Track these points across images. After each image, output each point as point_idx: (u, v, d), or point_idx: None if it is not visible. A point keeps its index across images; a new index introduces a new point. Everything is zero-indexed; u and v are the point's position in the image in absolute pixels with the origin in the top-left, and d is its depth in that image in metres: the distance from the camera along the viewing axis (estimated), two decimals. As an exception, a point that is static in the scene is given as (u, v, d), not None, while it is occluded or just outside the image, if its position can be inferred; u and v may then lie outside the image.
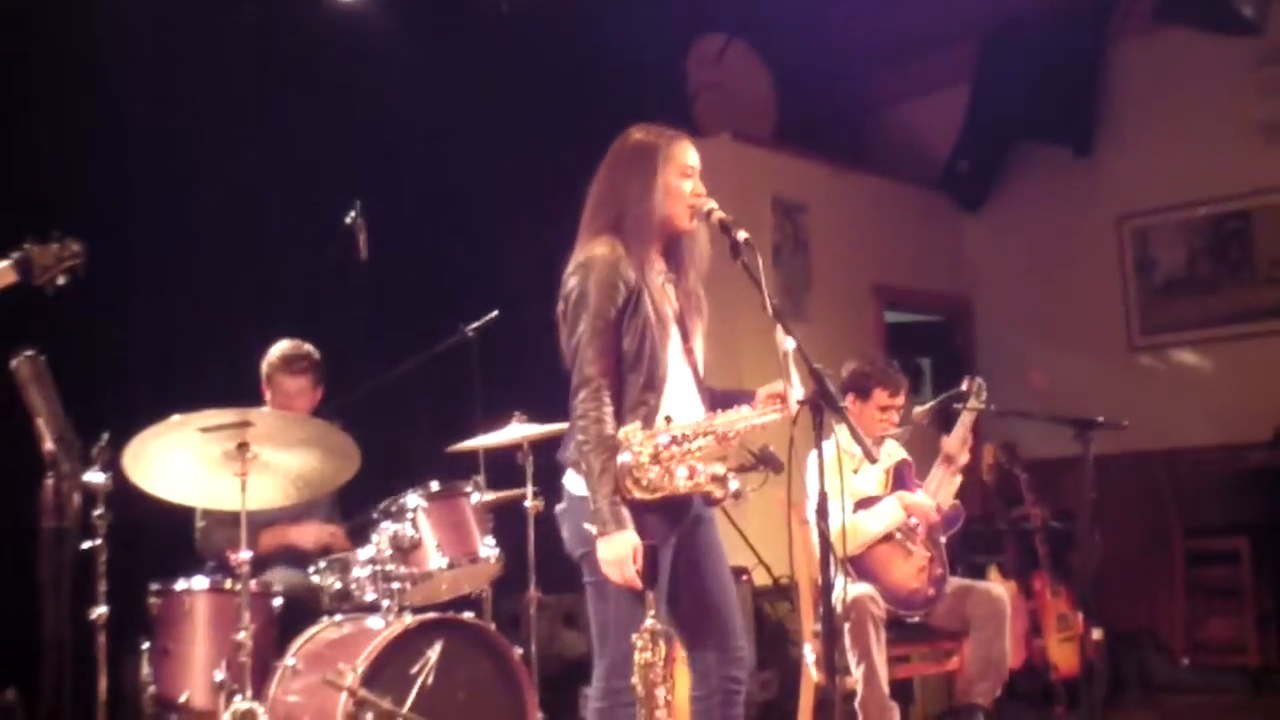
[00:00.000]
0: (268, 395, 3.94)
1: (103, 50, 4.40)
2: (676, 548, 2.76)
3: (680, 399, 2.76)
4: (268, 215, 4.78)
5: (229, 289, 4.67)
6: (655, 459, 2.59)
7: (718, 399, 2.86)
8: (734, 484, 2.69)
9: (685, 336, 2.83)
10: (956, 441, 4.20)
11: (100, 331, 4.20)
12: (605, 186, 2.82)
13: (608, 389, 2.66)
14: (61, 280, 3.03)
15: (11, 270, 2.96)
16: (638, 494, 2.58)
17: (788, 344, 2.62)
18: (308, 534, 3.88)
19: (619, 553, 2.57)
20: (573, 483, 2.75)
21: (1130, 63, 6.94)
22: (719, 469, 2.68)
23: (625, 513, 2.58)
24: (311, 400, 3.97)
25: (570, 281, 2.72)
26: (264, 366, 3.97)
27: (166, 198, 4.56)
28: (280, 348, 3.95)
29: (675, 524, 2.75)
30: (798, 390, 2.68)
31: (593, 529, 2.61)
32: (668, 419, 2.64)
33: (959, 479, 4.24)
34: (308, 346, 3.98)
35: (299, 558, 3.82)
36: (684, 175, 2.80)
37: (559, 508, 2.82)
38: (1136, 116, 6.92)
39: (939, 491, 4.18)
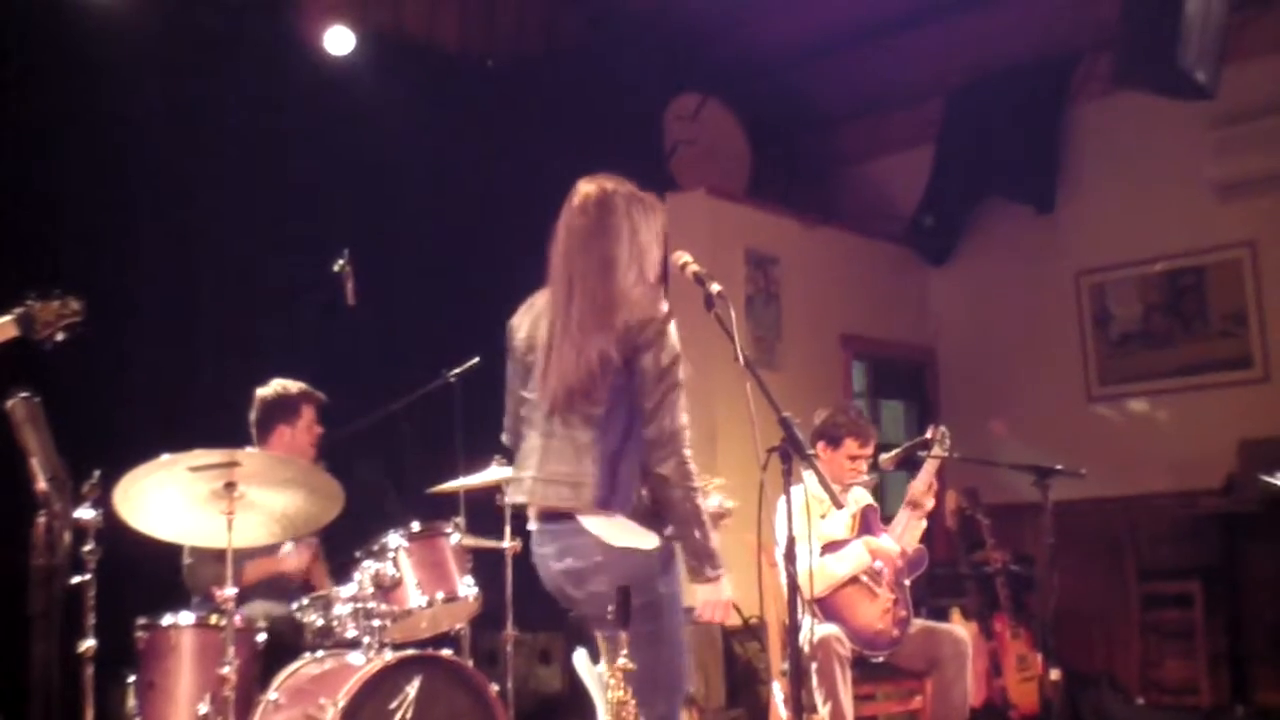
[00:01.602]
0: (286, 426, 4.00)
1: (104, 100, 4.49)
2: None
3: None
4: (258, 261, 4.84)
5: (219, 333, 4.74)
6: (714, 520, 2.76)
7: None
8: None
9: None
10: (922, 487, 4.30)
11: (94, 373, 4.24)
12: (630, 237, 2.78)
13: None
14: (61, 337, 3.10)
15: (13, 325, 3.03)
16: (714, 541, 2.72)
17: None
18: (289, 558, 3.94)
19: (729, 597, 2.70)
20: (614, 533, 2.69)
21: (1089, 124, 7.11)
22: None
23: None
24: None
25: (659, 332, 2.68)
26: (293, 397, 4.02)
27: (160, 244, 4.64)
28: (294, 383, 4.04)
29: None
30: None
31: (709, 573, 2.66)
32: None
33: (924, 523, 4.33)
34: None
35: (282, 592, 3.88)
36: (663, 242, 2.88)
37: (582, 564, 2.71)
38: (1095, 176, 7.09)
39: (905, 534, 4.28)
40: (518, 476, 2.87)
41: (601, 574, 2.69)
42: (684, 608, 2.85)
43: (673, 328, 2.72)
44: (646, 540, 2.70)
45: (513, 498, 2.88)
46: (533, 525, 2.86)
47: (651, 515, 2.70)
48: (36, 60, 4.35)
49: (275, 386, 4.04)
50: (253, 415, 4.03)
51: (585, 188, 2.85)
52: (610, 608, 2.60)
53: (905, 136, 7.60)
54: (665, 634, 2.67)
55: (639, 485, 2.70)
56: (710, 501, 2.86)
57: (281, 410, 4.01)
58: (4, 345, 3.02)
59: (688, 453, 2.69)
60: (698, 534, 2.66)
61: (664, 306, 2.74)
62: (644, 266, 2.79)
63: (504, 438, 2.98)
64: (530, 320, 2.90)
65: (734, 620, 5.55)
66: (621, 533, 2.70)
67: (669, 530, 2.72)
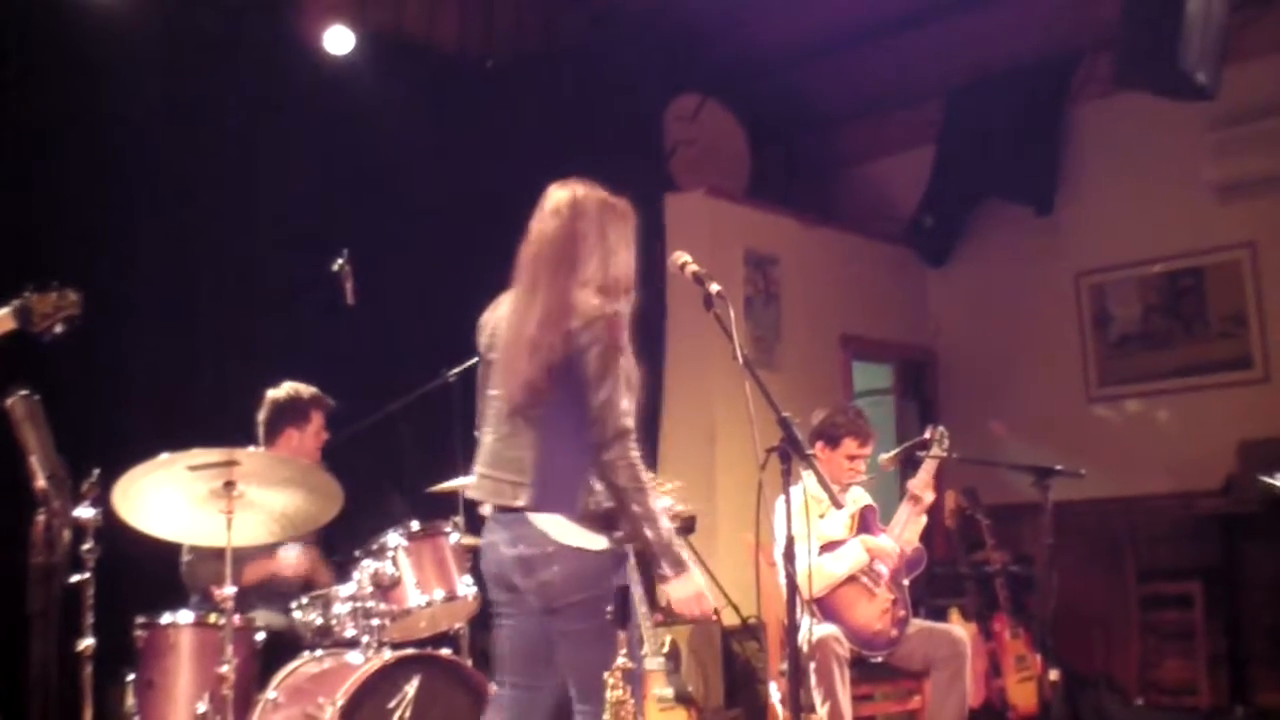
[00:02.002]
0: (294, 429, 4.00)
1: (104, 100, 4.50)
2: None
3: None
4: (258, 261, 4.85)
5: (218, 332, 4.74)
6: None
7: None
8: None
9: None
10: (921, 482, 4.31)
11: (93, 372, 4.25)
12: (597, 240, 2.80)
13: None
14: (59, 329, 3.10)
15: (11, 318, 3.03)
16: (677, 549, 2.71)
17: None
18: (288, 562, 3.94)
19: (700, 586, 2.68)
20: (563, 531, 2.69)
21: (1089, 126, 7.12)
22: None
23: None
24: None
25: (601, 330, 2.68)
26: (305, 400, 4.02)
27: (160, 242, 4.64)
28: (306, 387, 4.05)
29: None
30: None
31: (667, 573, 2.65)
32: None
33: (924, 519, 4.34)
34: None
35: (281, 594, 3.88)
36: (631, 249, 2.87)
37: (534, 551, 2.71)
38: (1095, 177, 7.10)
39: (905, 530, 4.29)
40: (474, 472, 2.91)
41: (553, 564, 2.69)
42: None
43: (619, 327, 2.71)
44: (593, 541, 2.69)
45: (468, 493, 2.91)
46: (486, 510, 2.87)
47: (600, 518, 2.69)
48: (37, 60, 4.36)
49: (288, 389, 4.04)
50: (261, 415, 4.04)
51: (557, 192, 2.89)
52: (575, 599, 2.67)
53: (905, 137, 7.60)
54: (610, 632, 2.62)
55: (586, 487, 2.69)
56: (664, 501, 2.85)
57: (292, 413, 4.02)
58: (3, 339, 3.02)
59: (634, 453, 2.67)
60: (650, 533, 2.64)
61: (616, 308, 2.73)
62: (611, 271, 2.79)
63: (476, 434, 2.98)
64: (495, 319, 2.94)
65: (732, 620, 5.56)
66: (568, 532, 2.70)
67: (618, 533, 2.72)
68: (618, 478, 2.65)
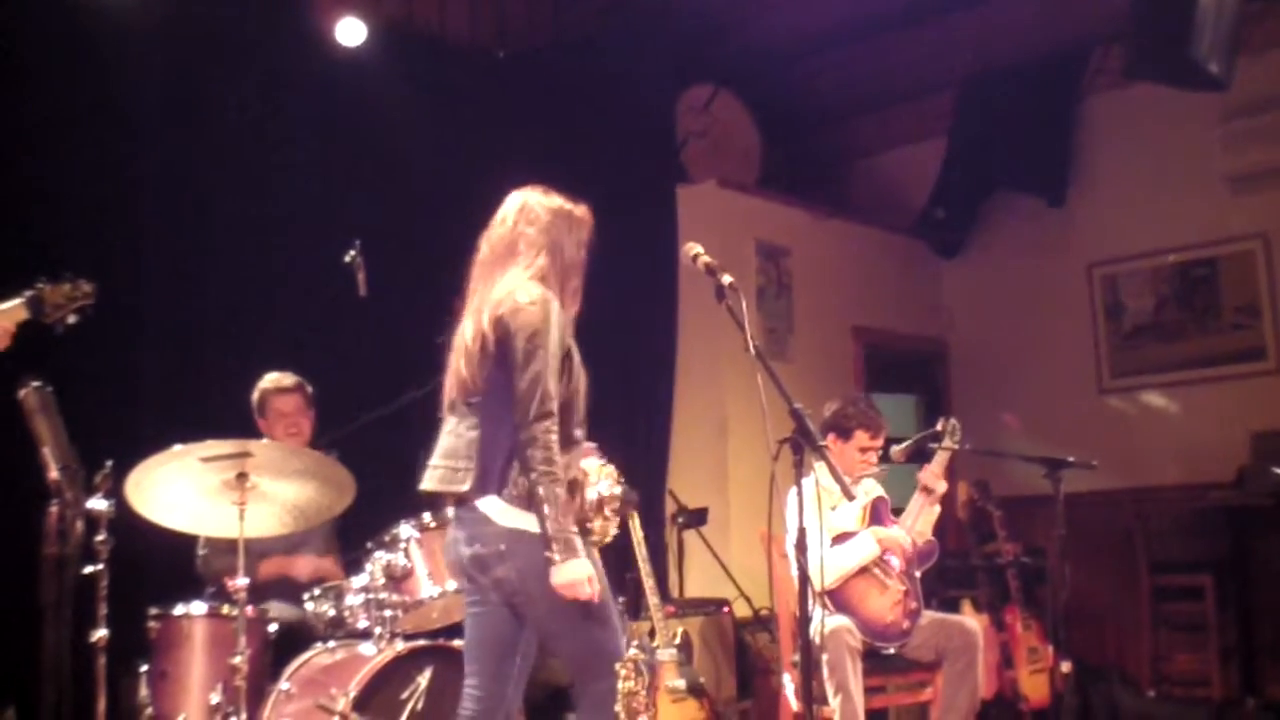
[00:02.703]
0: (265, 425, 4.05)
1: (115, 93, 4.50)
2: None
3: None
4: (271, 252, 4.85)
5: (231, 323, 4.75)
6: (599, 506, 2.74)
7: None
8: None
9: None
10: (933, 473, 4.32)
11: (106, 363, 4.26)
12: (541, 238, 2.91)
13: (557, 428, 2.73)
14: (72, 319, 3.13)
15: (24, 308, 3.06)
16: (597, 534, 2.77)
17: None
18: (304, 565, 3.97)
19: (586, 572, 2.68)
20: (502, 514, 2.76)
21: (1101, 117, 7.09)
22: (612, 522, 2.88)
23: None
24: (310, 422, 4.10)
25: (528, 313, 2.76)
26: (256, 397, 4.10)
27: (173, 234, 4.64)
28: (267, 376, 4.13)
29: None
30: None
31: (555, 556, 2.65)
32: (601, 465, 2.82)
33: (937, 509, 4.34)
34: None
35: (294, 590, 3.90)
36: (583, 248, 2.96)
37: (487, 550, 2.78)
38: (1107, 168, 7.08)
39: (918, 520, 4.29)
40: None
41: (505, 561, 2.76)
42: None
43: (546, 310, 2.77)
44: (529, 522, 2.73)
45: (422, 486, 2.97)
46: (451, 510, 2.95)
47: (533, 502, 2.73)
48: (46, 51, 4.37)
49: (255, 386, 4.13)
50: None
51: (509, 199, 3.01)
52: (512, 596, 2.76)
53: (916, 129, 7.58)
54: (589, 613, 2.71)
55: (522, 474, 2.73)
56: (600, 487, 2.85)
57: (258, 409, 4.10)
58: (16, 329, 3.03)
59: (550, 435, 2.70)
60: (547, 512, 2.67)
61: (548, 293, 2.81)
62: (554, 265, 2.89)
63: None
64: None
65: (744, 611, 5.57)
66: (506, 514, 2.76)
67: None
68: (530, 458, 2.69)
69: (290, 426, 4.04)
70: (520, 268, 2.87)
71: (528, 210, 2.95)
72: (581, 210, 2.99)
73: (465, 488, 2.79)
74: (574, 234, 2.95)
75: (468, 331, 2.86)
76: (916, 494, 4.34)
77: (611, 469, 2.94)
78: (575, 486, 2.80)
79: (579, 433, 2.85)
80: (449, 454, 2.87)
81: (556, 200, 2.98)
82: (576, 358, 2.86)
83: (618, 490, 2.89)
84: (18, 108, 4.26)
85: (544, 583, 2.68)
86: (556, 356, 2.75)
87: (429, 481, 2.91)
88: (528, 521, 2.72)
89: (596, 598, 2.70)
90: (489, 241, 2.98)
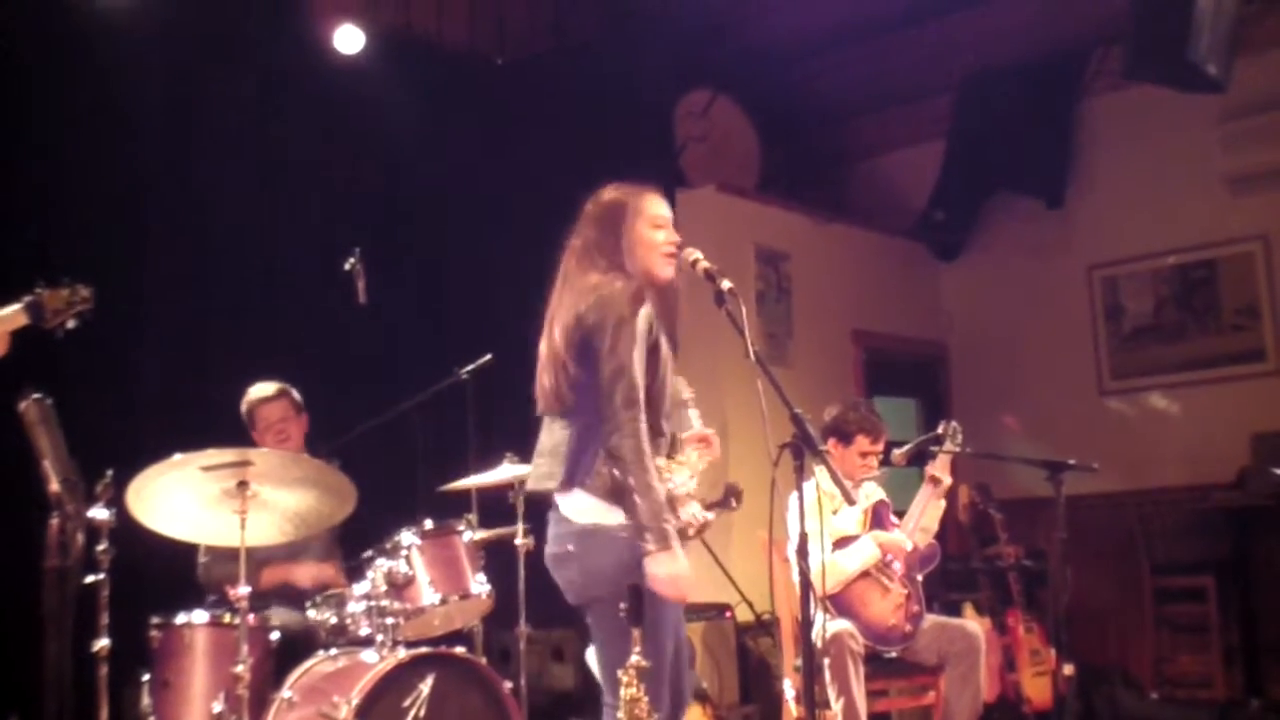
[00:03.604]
0: (256, 437, 4.06)
1: (116, 99, 4.51)
2: None
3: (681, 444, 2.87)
4: (271, 261, 4.87)
5: (231, 331, 4.76)
6: (673, 500, 2.71)
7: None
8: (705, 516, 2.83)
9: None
10: (939, 465, 4.31)
11: (106, 371, 4.27)
12: (582, 243, 2.89)
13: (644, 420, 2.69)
14: (71, 324, 3.09)
15: (23, 313, 3.03)
16: (675, 525, 2.68)
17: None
18: (306, 573, 3.96)
19: (680, 570, 2.63)
20: (582, 509, 2.73)
21: (1100, 118, 7.10)
22: (698, 510, 2.80)
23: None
24: (299, 426, 4.11)
25: (605, 305, 2.72)
26: (243, 410, 4.11)
27: (173, 242, 4.66)
28: (251, 389, 4.15)
29: None
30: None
31: (649, 547, 2.58)
32: (670, 456, 2.76)
33: (943, 503, 4.34)
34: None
35: (296, 597, 3.89)
36: (655, 226, 2.89)
37: (559, 550, 2.78)
38: (1106, 170, 7.09)
39: (924, 514, 4.29)
40: None
41: (573, 562, 2.76)
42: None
43: (633, 302, 2.74)
44: (610, 515, 2.70)
45: (526, 486, 3.00)
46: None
47: (617, 492, 2.70)
48: (49, 56, 4.38)
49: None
50: None
51: (595, 197, 2.97)
52: (605, 591, 2.68)
53: (915, 132, 7.59)
54: (647, 634, 2.61)
55: (606, 465, 2.71)
56: (678, 478, 2.82)
57: (247, 420, 4.10)
58: (15, 334, 3.02)
59: (639, 424, 2.66)
60: (640, 503, 2.62)
61: (620, 283, 2.76)
62: (626, 253, 2.83)
63: None
64: None
65: (746, 616, 5.56)
66: (586, 509, 2.74)
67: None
68: (620, 449, 2.65)
69: (279, 434, 4.05)
70: (593, 262, 2.84)
71: (593, 204, 2.93)
72: (636, 193, 2.93)
73: (553, 485, 2.80)
74: (609, 223, 2.89)
75: (547, 340, 2.85)
76: (924, 486, 4.34)
77: (693, 460, 2.87)
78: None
79: (666, 425, 2.82)
80: (542, 451, 2.89)
81: (622, 190, 2.94)
82: (665, 349, 2.82)
83: (692, 486, 2.81)
84: (18, 109, 4.27)
85: (609, 587, 2.65)
86: (641, 347, 2.72)
87: (529, 480, 2.95)
88: (608, 516, 2.70)
89: (680, 597, 2.68)
90: (566, 253, 2.95)
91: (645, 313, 2.75)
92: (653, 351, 2.78)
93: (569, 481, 2.78)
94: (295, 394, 4.16)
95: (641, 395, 2.69)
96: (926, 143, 7.50)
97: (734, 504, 3.04)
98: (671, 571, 2.62)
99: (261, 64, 4.93)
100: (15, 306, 3.04)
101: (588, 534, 2.73)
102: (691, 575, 2.68)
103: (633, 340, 2.70)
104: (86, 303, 3.11)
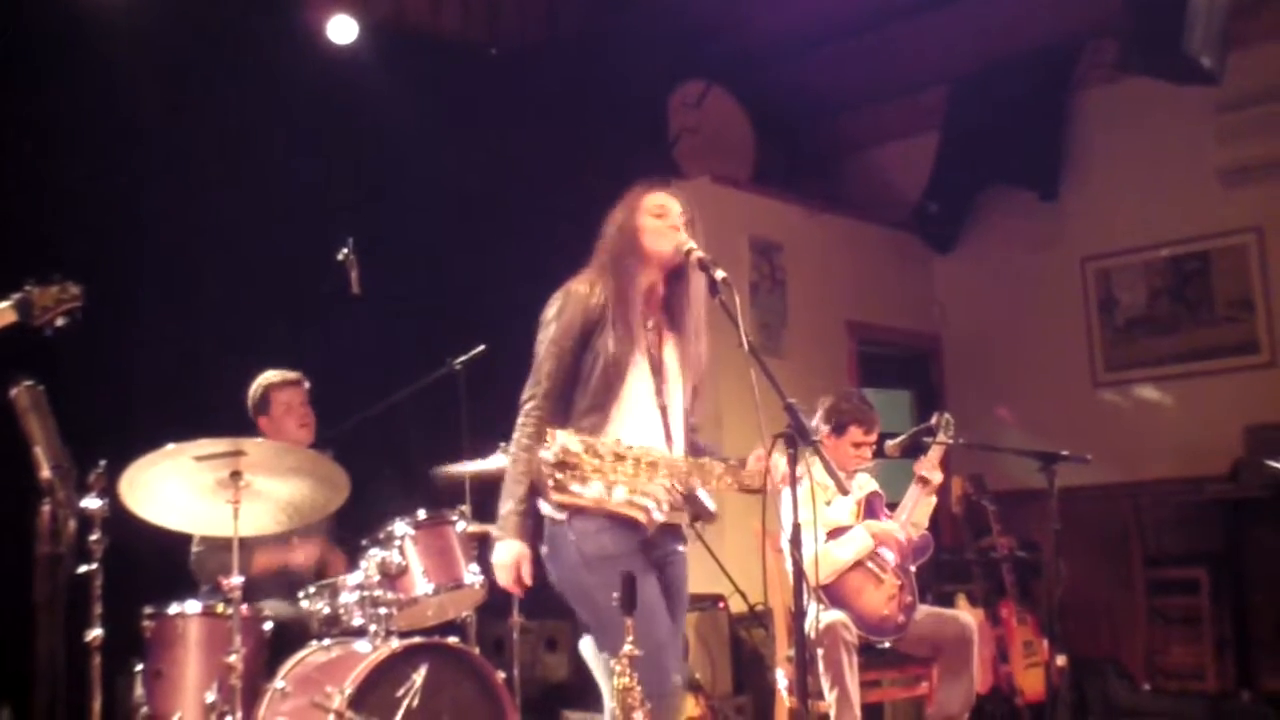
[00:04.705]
0: (268, 422, 4.04)
1: (108, 90, 4.50)
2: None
3: (639, 432, 2.80)
4: (262, 251, 4.86)
5: (225, 321, 4.76)
6: (563, 465, 2.67)
7: (699, 451, 3.04)
8: (658, 515, 2.84)
9: (660, 378, 2.93)
10: (929, 463, 4.32)
11: (100, 362, 4.27)
12: (599, 240, 3.01)
13: (549, 409, 2.80)
14: (60, 322, 3.11)
15: (12, 311, 3.04)
16: (556, 495, 2.69)
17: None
18: (302, 553, 3.96)
19: (509, 560, 2.75)
20: (545, 507, 2.84)
21: (1094, 111, 7.10)
22: (650, 502, 2.80)
23: (520, 524, 2.76)
24: (311, 415, 4.10)
25: (552, 305, 2.90)
26: (257, 394, 4.09)
27: (164, 231, 4.65)
28: (268, 372, 4.14)
29: (644, 552, 2.84)
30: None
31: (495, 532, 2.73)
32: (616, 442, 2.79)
33: (934, 500, 4.35)
34: None
35: (290, 584, 3.90)
36: (655, 215, 2.96)
37: (542, 549, 2.87)
38: (1100, 162, 7.08)
39: (915, 511, 4.29)
40: None
41: (548, 561, 2.87)
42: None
43: (565, 301, 2.86)
44: (546, 509, 2.81)
45: None
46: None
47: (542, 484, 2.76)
48: (43, 49, 4.37)
49: (254, 383, 4.12)
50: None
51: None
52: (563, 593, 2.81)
53: (909, 123, 7.59)
54: (591, 616, 2.76)
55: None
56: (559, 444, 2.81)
57: (258, 404, 4.10)
58: (3, 331, 3.02)
59: (528, 417, 2.81)
60: (502, 493, 2.78)
61: (575, 284, 2.89)
62: (602, 255, 2.96)
63: None
64: None
65: (739, 607, 5.56)
66: (543, 504, 2.84)
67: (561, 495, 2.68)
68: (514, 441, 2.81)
69: (303, 418, 4.07)
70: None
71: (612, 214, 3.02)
72: (636, 190, 3.02)
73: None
74: (614, 217, 3.00)
75: None
76: (913, 485, 4.35)
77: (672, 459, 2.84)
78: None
79: (596, 418, 2.80)
80: None
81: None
82: (611, 345, 2.83)
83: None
84: (13, 110, 4.25)
85: (572, 572, 2.76)
86: (557, 343, 2.83)
87: None
88: (546, 509, 2.80)
89: (516, 588, 2.77)
90: None
91: (583, 291, 2.85)
92: (595, 330, 2.83)
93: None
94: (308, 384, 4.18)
95: (545, 382, 2.81)
96: (921, 135, 7.49)
97: (696, 523, 3.05)
98: (497, 560, 2.77)
99: (255, 54, 4.93)
100: (4, 304, 3.05)
101: (549, 527, 2.83)
102: (512, 565, 2.75)
103: (550, 329, 2.84)
104: (76, 300, 3.12)
